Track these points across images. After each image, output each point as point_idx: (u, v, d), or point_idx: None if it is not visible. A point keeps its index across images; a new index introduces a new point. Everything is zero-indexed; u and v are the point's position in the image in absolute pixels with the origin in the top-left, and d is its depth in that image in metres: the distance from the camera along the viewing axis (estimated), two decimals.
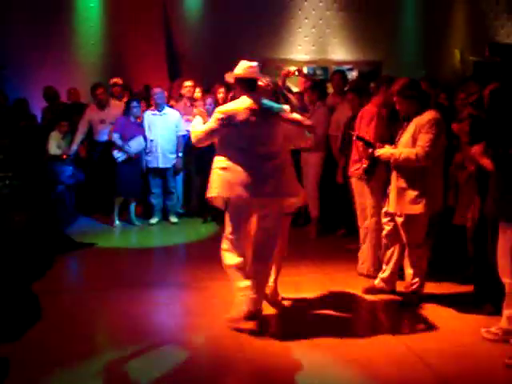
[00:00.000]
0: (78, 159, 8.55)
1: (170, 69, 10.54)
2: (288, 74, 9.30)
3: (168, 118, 8.12)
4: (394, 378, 3.89)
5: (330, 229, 7.54)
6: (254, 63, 4.66)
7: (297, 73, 9.50)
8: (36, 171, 8.04)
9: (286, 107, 4.65)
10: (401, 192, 4.97)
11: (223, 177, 4.48)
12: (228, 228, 4.60)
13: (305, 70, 11.48)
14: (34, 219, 6.35)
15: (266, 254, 4.59)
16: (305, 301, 5.28)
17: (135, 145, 7.93)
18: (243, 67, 4.64)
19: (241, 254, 4.58)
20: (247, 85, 4.62)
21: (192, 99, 8.41)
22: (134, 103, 8.02)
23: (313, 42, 11.85)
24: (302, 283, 5.80)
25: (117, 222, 8.03)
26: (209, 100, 7.91)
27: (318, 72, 11.81)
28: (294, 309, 5.12)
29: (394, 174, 5.06)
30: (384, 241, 5.33)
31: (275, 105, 4.62)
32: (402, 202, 4.95)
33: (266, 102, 4.59)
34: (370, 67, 11.77)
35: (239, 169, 4.43)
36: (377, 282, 5.41)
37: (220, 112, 4.57)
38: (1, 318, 4.46)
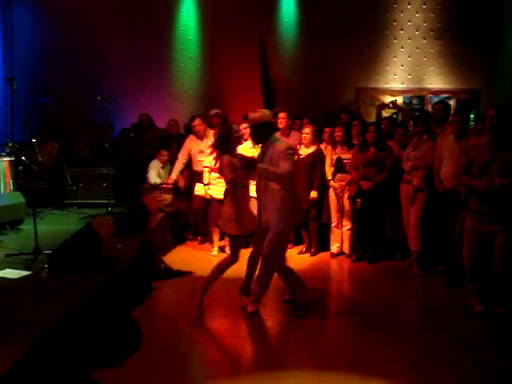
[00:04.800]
0: (177, 188, 8.74)
1: (266, 100, 10.65)
2: (383, 107, 9.28)
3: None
4: None
5: (427, 264, 7.33)
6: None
7: (391, 105, 9.49)
8: (136, 199, 8.29)
9: None
10: None
11: None
12: None
13: (401, 99, 11.37)
14: (134, 247, 6.50)
15: None
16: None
17: (215, 189, 8.02)
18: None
19: None
20: None
21: (285, 130, 8.46)
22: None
23: (409, 71, 11.69)
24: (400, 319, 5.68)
25: (215, 251, 8.11)
26: (306, 129, 7.97)
27: (414, 101, 11.63)
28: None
29: None
30: None
31: None
32: None
33: None
34: (469, 96, 11.47)
35: None
36: None
37: None
38: (102, 344, 4.55)
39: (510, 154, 5.34)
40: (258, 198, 5.68)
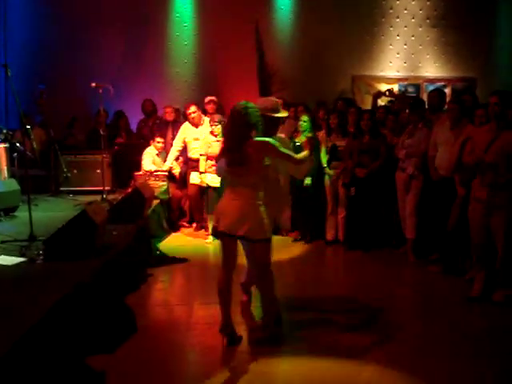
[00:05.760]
0: (171, 175, 8.75)
1: (261, 87, 10.62)
2: (379, 95, 9.26)
3: None
4: None
5: (422, 251, 7.35)
6: None
7: (387, 93, 9.48)
8: (132, 186, 8.28)
9: None
10: None
11: None
12: None
13: (396, 87, 11.34)
14: (129, 234, 6.50)
15: None
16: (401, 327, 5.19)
17: (209, 178, 8.01)
18: None
19: None
20: None
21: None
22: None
23: (404, 59, 11.67)
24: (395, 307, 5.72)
25: (210, 238, 8.12)
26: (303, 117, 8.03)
27: (410, 89, 11.61)
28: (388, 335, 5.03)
29: None
30: None
31: None
32: None
33: None
34: (464, 84, 11.46)
35: None
36: None
37: None
38: (97, 330, 4.56)
39: (510, 137, 5.41)
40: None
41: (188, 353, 4.77)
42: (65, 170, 8.72)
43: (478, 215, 5.64)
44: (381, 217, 7.74)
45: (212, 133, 8.11)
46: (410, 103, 7.55)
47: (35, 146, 6.83)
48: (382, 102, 9.92)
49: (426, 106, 7.81)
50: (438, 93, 7.63)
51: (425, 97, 9.98)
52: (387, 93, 9.40)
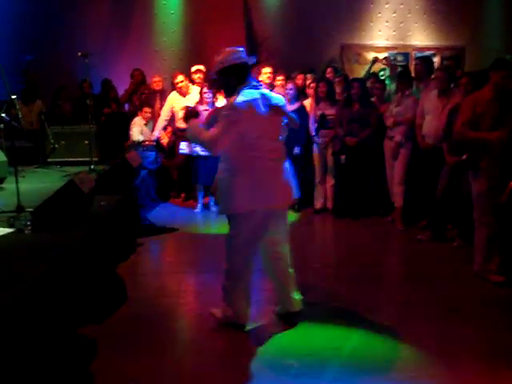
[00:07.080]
0: (159, 145, 8.72)
1: (250, 55, 10.53)
2: (376, 61, 9.27)
3: None
4: None
5: (409, 219, 7.39)
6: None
7: (384, 61, 9.46)
8: (120, 157, 8.23)
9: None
10: None
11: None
12: None
13: (385, 55, 11.31)
14: (118, 204, 6.48)
15: None
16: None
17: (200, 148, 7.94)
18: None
19: None
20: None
21: (271, 86, 8.40)
22: (205, 89, 8.02)
23: (393, 28, 11.58)
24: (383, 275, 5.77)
25: (199, 208, 8.12)
26: (289, 86, 7.95)
27: (399, 58, 11.56)
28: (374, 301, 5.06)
29: None
30: None
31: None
32: None
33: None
34: (453, 52, 11.42)
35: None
36: None
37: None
38: (88, 300, 4.57)
39: None
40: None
41: (178, 321, 4.82)
42: (52, 141, 8.63)
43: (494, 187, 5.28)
44: (370, 185, 7.77)
45: (202, 102, 8.04)
46: (398, 72, 7.56)
47: (21, 115, 6.73)
48: (374, 69, 9.90)
49: (413, 75, 7.80)
50: (422, 61, 7.61)
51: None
52: (384, 61, 9.39)
